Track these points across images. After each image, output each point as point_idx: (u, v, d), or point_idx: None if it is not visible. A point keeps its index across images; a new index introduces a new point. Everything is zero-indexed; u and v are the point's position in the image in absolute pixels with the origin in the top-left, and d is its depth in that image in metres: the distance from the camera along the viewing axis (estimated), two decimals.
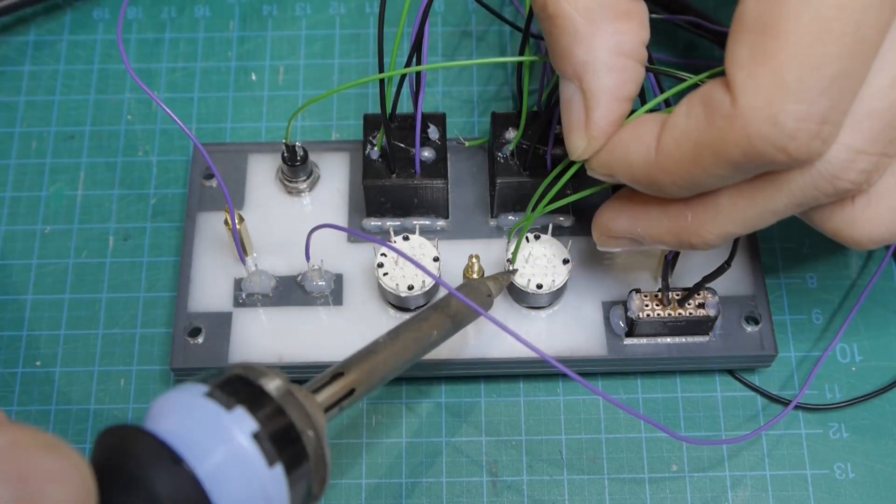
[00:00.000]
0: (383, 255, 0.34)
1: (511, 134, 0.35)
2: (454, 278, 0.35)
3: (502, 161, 0.35)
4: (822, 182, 0.25)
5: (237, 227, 0.33)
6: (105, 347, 0.37)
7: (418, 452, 0.35)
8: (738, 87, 0.23)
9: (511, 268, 0.34)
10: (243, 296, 0.35)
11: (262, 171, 0.37)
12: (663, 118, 0.26)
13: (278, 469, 0.22)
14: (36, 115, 0.41)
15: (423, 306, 0.35)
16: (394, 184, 0.34)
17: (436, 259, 0.34)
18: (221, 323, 0.35)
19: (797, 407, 0.35)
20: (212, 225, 0.36)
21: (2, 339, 0.37)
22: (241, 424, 0.22)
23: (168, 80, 0.42)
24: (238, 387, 0.23)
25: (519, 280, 0.34)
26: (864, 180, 0.25)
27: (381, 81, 0.32)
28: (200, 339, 0.34)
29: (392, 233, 0.34)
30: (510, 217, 0.36)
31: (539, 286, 0.34)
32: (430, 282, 0.34)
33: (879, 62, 0.23)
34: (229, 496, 0.21)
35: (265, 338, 0.35)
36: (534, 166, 0.34)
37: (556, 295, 0.34)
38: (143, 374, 0.36)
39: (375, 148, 0.35)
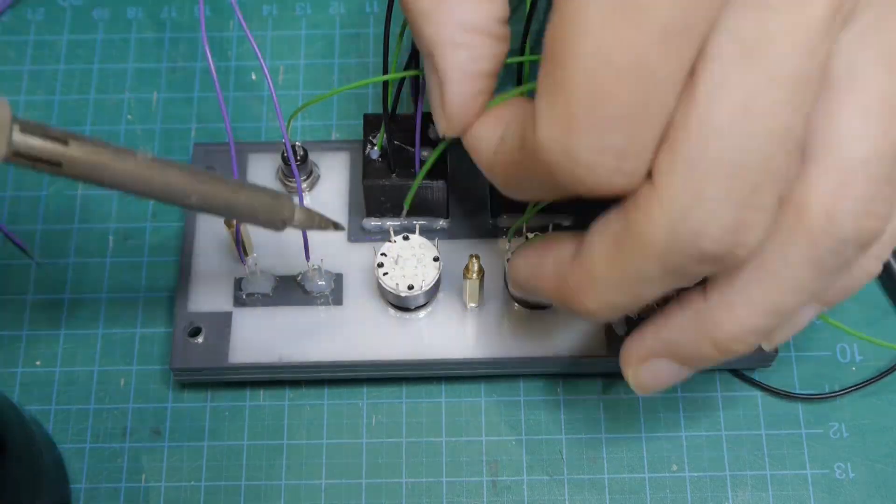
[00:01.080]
0: (383, 255, 0.34)
1: None
2: (454, 278, 0.35)
3: None
4: (685, 243, 0.22)
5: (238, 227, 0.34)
6: (105, 347, 0.37)
7: (418, 452, 0.35)
8: (537, 116, 0.23)
9: (343, 226, 0.31)
10: (243, 296, 0.35)
11: (262, 171, 0.37)
12: (511, 116, 0.26)
13: None
14: (36, 115, 0.41)
15: (423, 306, 0.35)
16: (394, 184, 0.34)
17: (436, 259, 0.34)
18: (221, 323, 0.35)
19: (797, 399, 0.35)
20: (212, 225, 0.36)
21: (2, 339, 0.37)
22: None
23: (168, 80, 0.42)
24: None
25: None
26: (737, 241, 0.22)
27: (385, 82, 0.32)
28: (200, 339, 0.34)
29: (392, 233, 0.34)
30: (510, 217, 0.36)
31: None
32: (429, 282, 0.34)
33: (722, 100, 0.21)
34: None
35: (265, 338, 0.35)
36: None
37: None
38: (143, 374, 0.36)
39: (375, 148, 0.35)
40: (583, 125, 0.22)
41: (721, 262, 0.23)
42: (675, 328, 0.26)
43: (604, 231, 0.24)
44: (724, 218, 0.22)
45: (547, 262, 0.27)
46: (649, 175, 0.23)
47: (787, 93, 0.21)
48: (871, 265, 0.26)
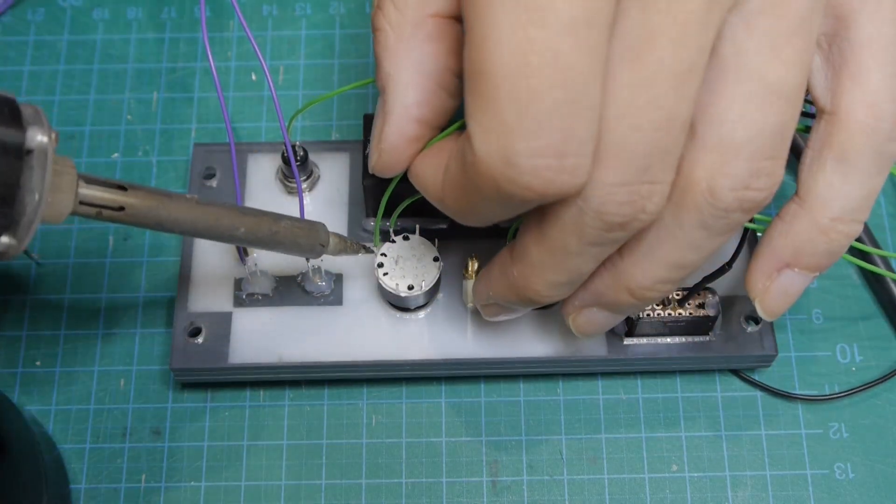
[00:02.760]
0: (383, 255, 0.34)
1: None
2: (454, 278, 0.35)
3: None
4: (591, 218, 0.24)
5: None
6: (105, 347, 0.37)
7: (418, 452, 0.35)
8: (472, 136, 0.23)
9: (374, 249, 0.34)
10: (243, 296, 0.35)
11: (262, 171, 0.37)
12: (458, 143, 0.26)
13: None
14: None
15: (423, 306, 0.35)
16: None
17: (436, 259, 0.34)
18: (221, 323, 0.35)
19: (797, 399, 0.35)
20: None
21: (2, 339, 0.37)
22: None
23: (168, 80, 0.42)
24: (7, 108, 0.23)
25: None
26: (636, 210, 0.24)
27: None
28: (200, 339, 0.34)
29: (392, 233, 0.34)
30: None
31: None
32: (430, 282, 0.34)
33: (610, 96, 0.23)
34: None
35: (265, 338, 0.35)
36: None
37: None
38: (143, 374, 0.36)
39: None
40: (515, 130, 0.22)
41: (627, 228, 0.25)
42: (599, 282, 0.28)
43: (528, 220, 0.26)
44: (620, 196, 0.24)
45: (494, 270, 0.30)
46: None
47: (668, 86, 0.23)
48: (850, 228, 0.27)
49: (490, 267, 0.30)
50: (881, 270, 0.33)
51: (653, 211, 0.24)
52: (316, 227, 0.31)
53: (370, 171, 0.29)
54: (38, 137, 0.23)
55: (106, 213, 0.26)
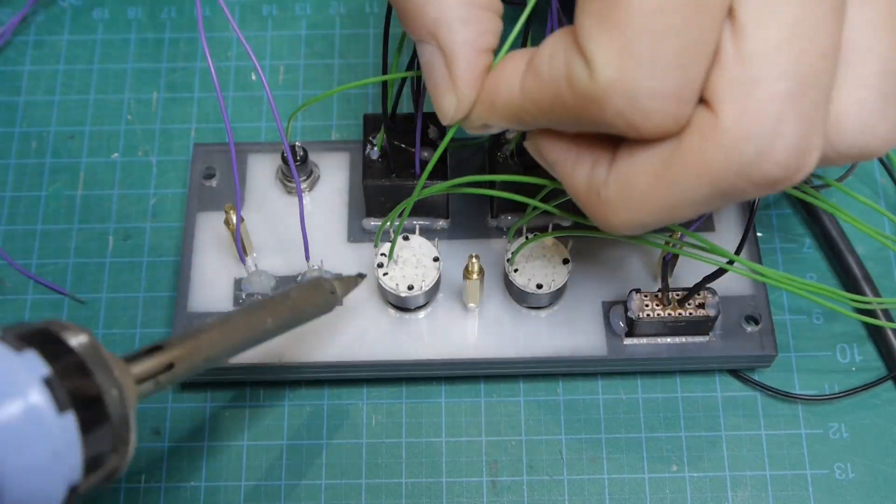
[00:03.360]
0: (383, 255, 0.34)
1: (511, 133, 0.35)
2: (454, 278, 0.35)
3: (502, 161, 0.35)
4: (748, 165, 0.22)
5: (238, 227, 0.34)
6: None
7: (418, 452, 0.35)
8: (594, 60, 0.22)
9: (364, 273, 0.35)
10: (243, 296, 0.35)
11: (262, 171, 0.37)
12: (530, 55, 0.25)
13: (69, 417, 0.20)
14: (36, 115, 0.41)
15: (423, 306, 0.35)
16: (394, 184, 0.34)
17: (436, 259, 0.34)
18: None
19: (797, 400, 0.35)
20: (212, 225, 0.36)
21: None
22: (30, 367, 0.20)
23: (168, 80, 0.42)
24: (35, 336, 0.21)
25: (519, 280, 0.34)
26: (796, 164, 0.23)
27: (385, 82, 0.32)
28: None
29: (392, 233, 0.34)
30: (510, 217, 0.36)
31: (539, 286, 0.34)
32: (429, 282, 0.34)
33: (753, 35, 0.22)
34: (10, 448, 0.19)
35: None
36: (533, 166, 0.34)
37: (556, 295, 0.34)
38: None
39: (375, 148, 0.35)
40: (645, 67, 0.22)
41: (779, 187, 0.23)
42: (574, 172, 0.26)
43: (650, 152, 0.24)
44: (791, 137, 0.22)
45: (584, 163, 0.26)
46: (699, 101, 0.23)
47: (825, 12, 0.22)
48: None
49: (579, 153, 0.26)
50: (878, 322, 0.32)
51: (810, 168, 0.23)
52: (316, 280, 0.32)
53: (449, 123, 0.27)
54: (79, 339, 0.22)
55: (162, 378, 0.25)
